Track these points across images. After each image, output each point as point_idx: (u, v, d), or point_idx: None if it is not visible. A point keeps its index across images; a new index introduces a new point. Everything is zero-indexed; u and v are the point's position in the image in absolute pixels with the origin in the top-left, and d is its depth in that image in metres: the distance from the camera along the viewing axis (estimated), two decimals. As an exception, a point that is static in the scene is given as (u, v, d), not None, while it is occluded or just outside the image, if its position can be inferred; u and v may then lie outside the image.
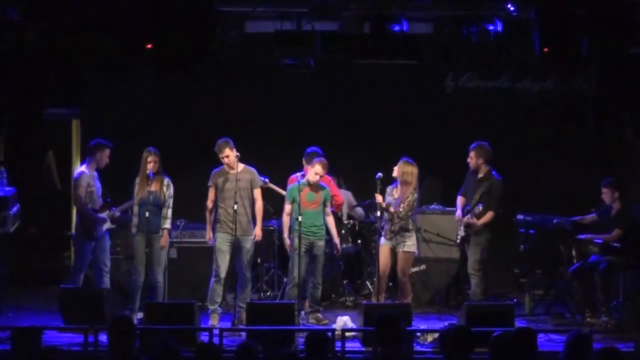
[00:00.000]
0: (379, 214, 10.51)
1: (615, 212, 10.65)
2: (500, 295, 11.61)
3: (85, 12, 10.43)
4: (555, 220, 11.01)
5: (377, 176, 10.36)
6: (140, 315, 10.13)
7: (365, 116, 12.59)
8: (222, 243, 10.28)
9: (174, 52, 10.61)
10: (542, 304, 11.06)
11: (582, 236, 10.81)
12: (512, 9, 10.81)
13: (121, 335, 6.65)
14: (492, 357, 6.61)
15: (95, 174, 10.52)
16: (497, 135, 11.57)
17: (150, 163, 10.27)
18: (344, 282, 11.63)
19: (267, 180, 10.89)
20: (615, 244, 10.56)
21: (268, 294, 11.46)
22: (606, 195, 10.68)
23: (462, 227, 10.75)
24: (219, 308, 10.32)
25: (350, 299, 11.50)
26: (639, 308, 10.47)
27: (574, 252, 10.89)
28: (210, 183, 10.39)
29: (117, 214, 10.53)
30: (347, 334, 9.43)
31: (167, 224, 10.37)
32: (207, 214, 10.39)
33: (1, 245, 10.92)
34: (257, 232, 10.38)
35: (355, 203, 11.87)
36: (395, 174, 10.44)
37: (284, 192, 10.81)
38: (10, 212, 10.64)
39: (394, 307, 10.09)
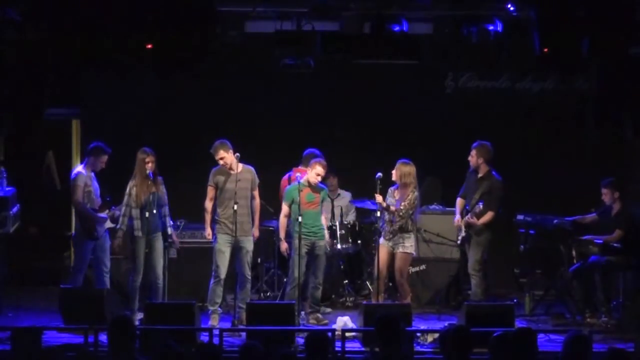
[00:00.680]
0: (378, 214, 10.50)
1: (616, 212, 10.65)
2: (501, 295, 11.61)
3: (85, 12, 10.44)
4: (555, 221, 11.01)
5: (376, 176, 10.35)
6: (140, 315, 10.13)
7: (365, 116, 12.58)
8: (222, 244, 10.27)
9: (174, 52, 10.62)
10: (542, 304, 11.05)
11: (583, 237, 10.81)
12: (512, 9, 10.82)
13: (121, 335, 6.65)
14: (492, 358, 6.62)
15: (93, 174, 10.50)
16: (497, 135, 11.55)
17: (149, 164, 10.25)
18: (344, 282, 11.63)
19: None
20: (615, 244, 10.55)
21: (268, 294, 11.46)
22: (606, 195, 10.68)
23: (462, 228, 10.75)
24: (219, 309, 10.31)
25: (350, 299, 11.50)
26: (639, 308, 10.46)
27: (574, 253, 10.88)
28: (210, 182, 10.37)
29: (117, 213, 10.51)
30: (347, 334, 9.42)
31: (170, 222, 10.41)
32: (206, 212, 10.36)
33: (1, 245, 10.92)
34: (255, 232, 10.38)
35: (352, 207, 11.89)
36: (394, 177, 10.43)
37: None
38: (10, 212, 10.64)
39: (394, 307, 10.08)
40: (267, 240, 11.36)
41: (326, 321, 10.48)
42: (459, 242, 10.91)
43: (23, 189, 11.22)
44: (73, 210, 11.03)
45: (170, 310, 9.72)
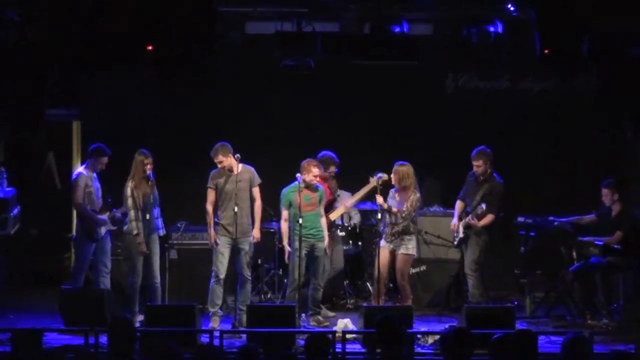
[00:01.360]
0: (379, 216, 10.49)
1: (616, 213, 10.64)
2: (501, 297, 11.60)
3: (85, 14, 10.44)
4: (555, 222, 11.00)
5: (377, 177, 10.35)
6: (141, 317, 10.13)
7: (366, 117, 12.58)
8: (222, 245, 10.26)
9: (175, 53, 10.62)
10: (542, 306, 11.06)
11: (584, 238, 10.80)
12: (512, 9, 10.82)
13: (121, 337, 6.64)
14: (492, 359, 6.62)
15: (94, 175, 10.50)
16: (497, 136, 11.55)
17: (148, 165, 10.26)
18: (345, 283, 11.62)
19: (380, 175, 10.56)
20: (616, 246, 10.54)
21: (269, 295, 11.46)
22: (606, 197, 10.66)
23: (460, 229, 10.72)
24: (219, 311, 10.30)
25: (351, 301, 11.49)
26: (639, 310, 10.46)
27: (574, 254, 10.88)
28: (209, 184, 10.34)
29: (118, 215, 10.52)
30: (347, 336, 9.42)
31: (161, 224, 10.44)
32: (208, 215, 10.34)
33: (2, 246, 10.91)
34: (256, 233, 10.34)
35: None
36: (393, 181, 10.41)
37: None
38: (11, 213, 10.64)
39: (395, 309, 10.08)
40: (267, 241, 11.35)
41: (327, 323, 10.48)
42: (455, 243, 10.89)
43: (23, 190, 11.22)
44: (74, 212, 11.03)
45: (170, 312, 9.72)
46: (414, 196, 10.37)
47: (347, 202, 11.03)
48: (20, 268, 11.88)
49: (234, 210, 10.10)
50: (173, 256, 11.02)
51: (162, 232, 10.51)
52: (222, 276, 10.27)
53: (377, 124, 12.59)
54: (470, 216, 10.60)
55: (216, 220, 10.30)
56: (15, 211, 10.81)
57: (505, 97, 12.65)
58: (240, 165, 10.34)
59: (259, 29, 11.50)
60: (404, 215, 10.34)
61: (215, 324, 10.17)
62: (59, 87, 11.95)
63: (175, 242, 11.15)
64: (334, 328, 9.83)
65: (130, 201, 10.25)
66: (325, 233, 10.61)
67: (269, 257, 11.57)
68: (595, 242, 10.63)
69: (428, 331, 9.76)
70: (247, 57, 12.06)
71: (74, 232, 11.00)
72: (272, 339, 9.04)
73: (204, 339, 9.41)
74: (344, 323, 9.89)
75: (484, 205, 10.46)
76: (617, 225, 10.57)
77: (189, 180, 11.30)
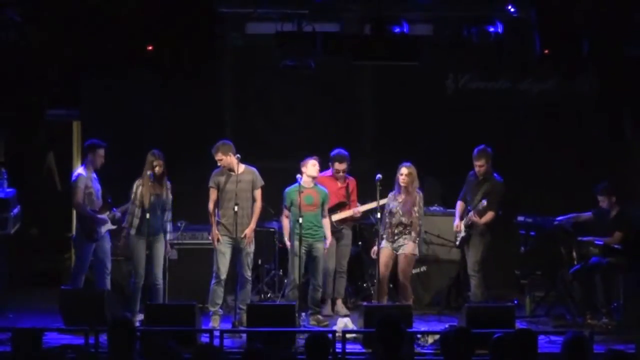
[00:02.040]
0: (379, 215, 10.50)
1: (615, 214, 10.64)
2: (501, 296, 11.59)
3: (85, 14, 10.44)
4: (555, 221, 10.99)
5: (376, 178, 10.35)
6: (141, 317, 10.13)
7: (366, 117, 12.58)
8: (223, 245, 10.27)
9: (175, 53, 10.62)
10: (542, 305, 11.06)
11: (584, 238, 10.81)
12: (512, 10, 10.82)
13: (121, 337, 6.64)
14: (492, 359, 6.61)
15: (94, 175, 10.51)
16: (497, 136, 11.55)
17: (156, 167, 10.27)
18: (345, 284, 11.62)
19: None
20: (616, 246, 10.54)
21: (269, 295, 11.46)
22: (603, 202, 10.65)
23: (463, 229, 10.74)
24: (220, 310, 10.31)
25: (351, 300, 11.49)
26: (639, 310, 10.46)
27: (574, 254, 10.88)
28: (211, 184, 10.36)
29: (118, 214, 10.53)
30: (347, 335, 9.42)
31: (170, 228, 10.42)
32: (211, 215, 10.35)
33: (2, 246, 10.91)
34: (248, 231, 10.28)
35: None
36: (403, 182, 10.37)
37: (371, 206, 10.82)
38: (11, 213, 10.64)
39: (395, 308, 10.08)
40: (267, 241, 11.35)
41: (327, 322, 10.48)
42: (457, 243, 10.90)
43: (23, 190, 11.22)
44: (74, 212, 11.02)
45: (170, 311, 9.73)
46: (419, 197, 10.40)
47: (357, 208, 11.02)
48: (20, 268, 11.88)
49: (234, 209, 10.11)
50: (173, 256, 11.02)
51: (169, 237, 10.50)
52: (223, 277, 10.27)
53: (377, 124, 12.60)
54: (472, 212, 10.60)
55: (217, 219, 10.31)
56: (15, 211, 10.81)
57: (505, 97, 12.65)
58: (243, 165, 10.35)
59: (259, 30, 11.50)
60: (417, 215, 10.34)
61: (215, 323, 10.18)
62: (59, 87, 11.94)
63: (175, 242, 11.15)
64: (334, 328, 9.83)
65: (132, 196, 10.31)
66: (328, 233, 10.60)
67: (269, 257, 11.57)
68: (595, 242, 10.64)
69: (428, 331, 9.76)
70: (247, 58, 12.07)
71: (74, 232, 10.99)
72: (272, 338, 9.04)
73: (204, 338, 9.42)
74: (344, 323, 9.90)
75: (485, 201, 10.47)
76: (616, 226, 10.58)
77: (188, 181, 11.30)
